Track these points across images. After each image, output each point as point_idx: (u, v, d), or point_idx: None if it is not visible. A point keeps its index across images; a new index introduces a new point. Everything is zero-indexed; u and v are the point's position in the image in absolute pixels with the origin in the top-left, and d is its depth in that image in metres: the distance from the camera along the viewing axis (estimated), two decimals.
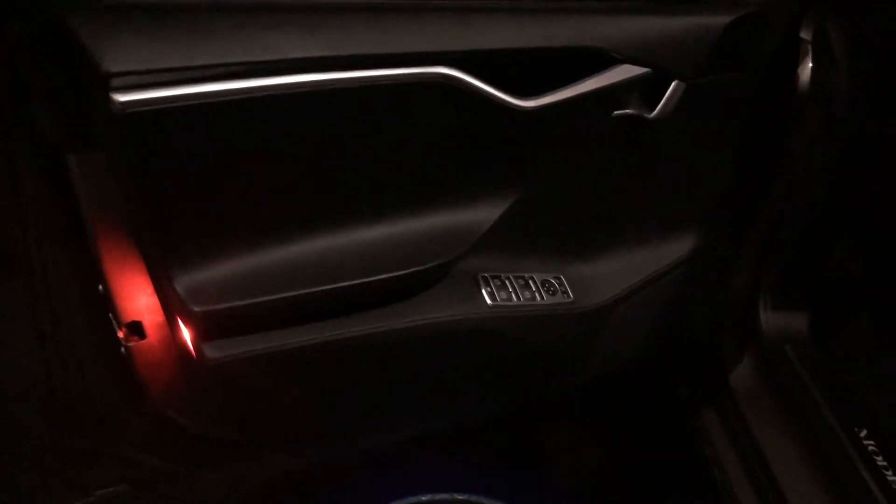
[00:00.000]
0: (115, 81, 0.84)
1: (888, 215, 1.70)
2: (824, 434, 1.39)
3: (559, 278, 1.30)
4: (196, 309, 0.98)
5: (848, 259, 1.76)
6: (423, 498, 1.48)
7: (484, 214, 1.18)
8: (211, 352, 1.02)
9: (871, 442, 1.35)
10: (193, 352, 1.03)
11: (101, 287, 1.12)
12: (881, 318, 1.77)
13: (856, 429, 1.37)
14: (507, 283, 1.23)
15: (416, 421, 1.36)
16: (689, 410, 1.64)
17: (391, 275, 1.10)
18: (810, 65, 1.34)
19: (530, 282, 1.26)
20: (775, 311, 1.54)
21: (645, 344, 1.46)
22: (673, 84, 1.18)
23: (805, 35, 1.34)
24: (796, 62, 1.34)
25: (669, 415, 1.71)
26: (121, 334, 1.13)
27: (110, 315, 1.13)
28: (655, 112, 1.18)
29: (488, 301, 1.20)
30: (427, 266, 1.13)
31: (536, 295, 1.25)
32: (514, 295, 1.23)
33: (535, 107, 1.09)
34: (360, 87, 0.98)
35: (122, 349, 1.14)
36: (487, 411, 1.47)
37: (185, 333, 1.03)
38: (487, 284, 1.21)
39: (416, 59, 1.00)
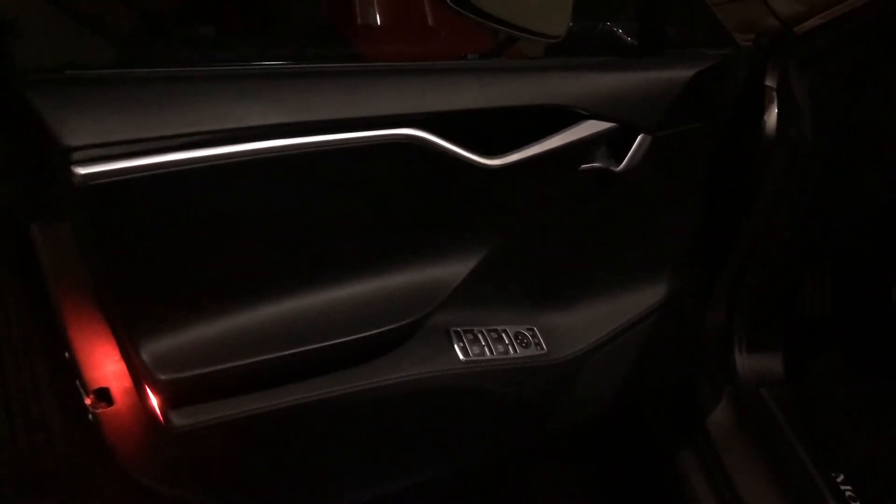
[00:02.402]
0: (76, 155, 0.83)
1: (853, 253, 1.72)
2: (802, 479, 1.39)
3: (532, 330, 1.29)
4: (162, 377, 0.97)
5: (818, 297, 1.77)
6: None
7: (454, 269, 1.18)
8: (178, 419, 1.00)
9: (849, 487, 1.35)
10: (161, 418, 1.01)
11: (66, 354, 1.10)
12: (852, 354, 1.78)
13: (833, 474, 1.37)
14: (479, 336, 1.23)
15: (392, 479, 1.34)
16: (666, 453, 1.63)
17: (362, 335, 1.09)
18: (775, 111, 1.35)
19: (503, 335, 1.25)
20: (749, 353, 1.54)
21: (620, 391, 1.46)
22: (639, 137, 1.19)
23: (770, 82, 1.35)
24: (762, 109, 1.35)
25: (647, 458, 1.71)
26: (88, 401, 1.11)
27: (77, 382, 1.11)
28: (622, 165, 1.19)
29: (461, 356, 1.19)
30: (398, 324, 1.13)
31: (510, 348, 1.25)
32: (486, 349, 1.22)
33: (501, 165, 1.09)
34: (326, 151, 0.98)
35: (90, 416, 1.12)
36: (464, 464, 1.46)
37: (153, 400, 1.02)
38: (460, 339, 1.21)
39: (381, 122, 1.01)
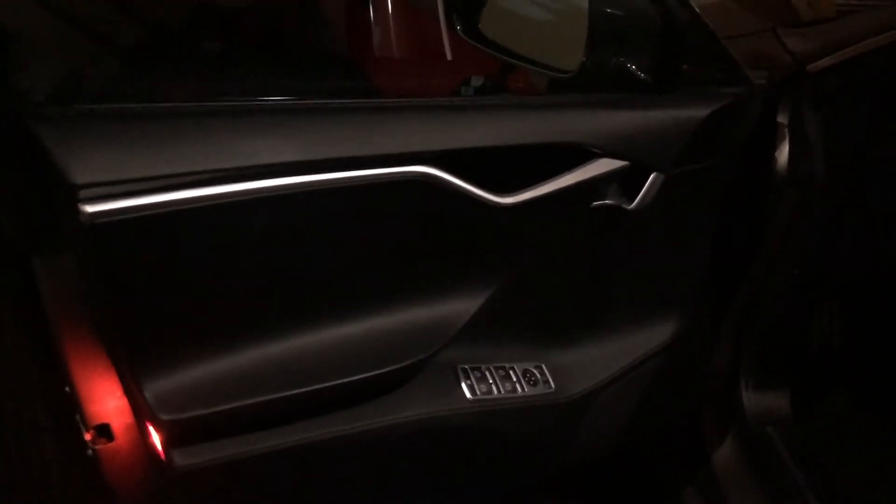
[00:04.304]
0: (84, 192, 0.81)
1: (863, 292, 1.70)
2: None
3: (540, 367, 1.27)
4: (165, 416, 0.95)
5: (826, 336, 1.75)
6: None
7: (463, 307, 1.16)
8: (181, 458, 0.98)
9: None
10: (163, 456, 0.99)
11: (66, 389, 1.08)
12: (861, 393, 1.76)
13: None
14: (487, 374, 1.21)
15: None
16: (671, 492, 1.61)
17: (369, 374, 1.07)
18: (787, 149, 1.34)
19: (511, 372, 1.23)
20: (756, 391, 1.52)
21: (627, 429, 1.44)
22: (651, 176, 1.17)
23: (782, 119, 1.34)
24: (773, 146, 1.34)
25: (652, 496, 1.68)
26: (88, 437, 1.09)
27: (77, 417, 1.09)
28: (634, 203, 1.18)
29: (468, 395, 1.17)
30: (406, 363, 1.11)
31: (517, 386, 1.23)
32: (494, 387, 1.20)
33: (513, 203, 1.08)
34: (336, 189, 0.96)
35: (89, 451, 1.10)
36: (467, 502, 1.44)
37: (155, 437, 1.00)
38: (467, 377, 1.19)
39: (394, 160, 0.99)
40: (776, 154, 1.34)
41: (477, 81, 1.50)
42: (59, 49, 1.14)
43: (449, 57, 1.59)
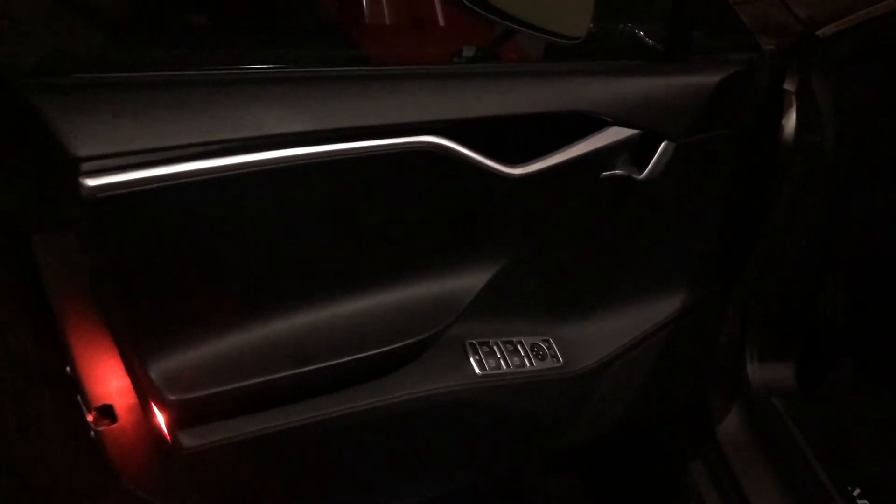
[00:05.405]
0: (85, 166, 0.79)
1: (869, 264, 1.69)
2: (817, 492, 1.36)
3: (548, 341, 1.25)
4: (171, 397, 0.92)
5: (832, 308, 1.75)
6: None
7: (471, 281, 1.14)
8: (187, 440, 0.96)
9: (866, 501, 1.33)
10: (168, 438, 0.97)
11: (67, 369, 1.05)
12: (866, 365, 1.76)
13: (849, 487, 1.35)
14: (495, 349, 1.19)
15: (404, 496, 1.30)
16: (677, 464, 1.60)
17: (378, 351, 1.05)
18: (794, 116, 1.32)
19: (519, 346, 1.22)
20: (762, 363, 1.52)
21: (634, 403, 1.43)
22: (662, 145, 1.15)
23: (789, 87, 1.32)
24: (781, 114, 1.32)
25: (658, 469, 1.68)
26: (90, 418, 1.06)
27: (78, 398, 1.06)
28: (645, 173, 1.15)
29: (476, 370, 1.15)
30: (415, 339, 1.08)
31: (525, 360, 1.21)
32: (502, 362, 1.18)
33: (524, 174, 1.05)
34: (343, 160, 0.93)
35: (92, 433, 1.08)
36: (477, 479, 1.42)
37: (160, 418, 0.97)
38: (475, 352, 1.17)
39: (403, 130, 0.96)
40: (784, 122, 1.32)
41: (469, 52, 1.47)
42: (48, 19, 1.10)
43: (441, 26, 1.56)
